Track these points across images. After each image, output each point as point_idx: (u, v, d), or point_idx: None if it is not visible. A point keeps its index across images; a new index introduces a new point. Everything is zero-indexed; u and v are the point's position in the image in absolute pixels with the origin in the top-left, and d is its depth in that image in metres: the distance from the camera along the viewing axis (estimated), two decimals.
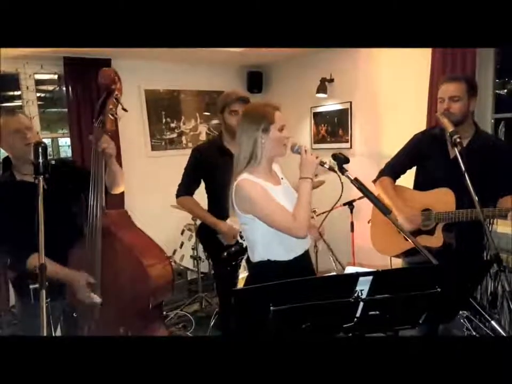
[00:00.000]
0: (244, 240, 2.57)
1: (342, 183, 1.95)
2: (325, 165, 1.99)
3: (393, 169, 2.80)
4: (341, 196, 2.04)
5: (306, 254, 2.17)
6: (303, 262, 2.14)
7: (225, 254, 2.72)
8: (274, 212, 1.97)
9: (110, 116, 2.14)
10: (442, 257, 2.09)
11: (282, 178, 2.16)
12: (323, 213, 4.17)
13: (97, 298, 2.10)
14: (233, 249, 2.71)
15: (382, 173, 2.81)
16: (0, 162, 2.49)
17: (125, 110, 2.15)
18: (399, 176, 2.82)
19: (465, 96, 2.41)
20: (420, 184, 2.71)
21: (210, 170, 2.81)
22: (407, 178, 2.83)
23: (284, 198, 2.03)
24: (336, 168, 1.94)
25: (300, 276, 1.35)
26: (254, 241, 2.09)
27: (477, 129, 2.51)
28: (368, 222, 3.03)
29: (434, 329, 2.55)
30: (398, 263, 2.93)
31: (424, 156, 2.65)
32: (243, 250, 2.44)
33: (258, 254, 2.09)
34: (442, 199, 2.49)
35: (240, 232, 2.68)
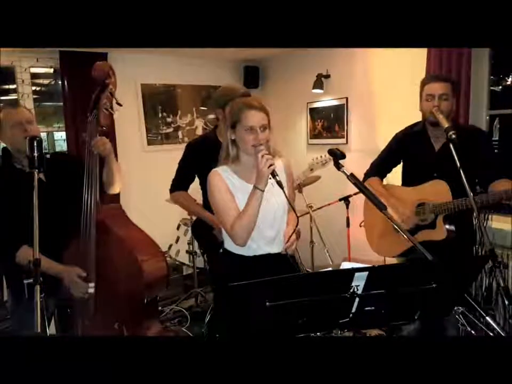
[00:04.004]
0: None
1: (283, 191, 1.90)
2: (276, 177, 1.87)
3: (378, 170, 2.83)
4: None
5: (272, 257, 2.12)
6: (267, 263, 2.09)
7: (221, 250, 2.71)
8: (223, 211, 2.02)
9: (104, 110, 2.12)
10: (446, 249, 2.12)
11: (270, 178, 1.91)
12: (319, 208, 4.20)
13: (91, 288, 2.09)
14: None
15: (368, 175, 2.83)
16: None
17: (119, 104, 2.14)
18: (385, 176, 2.85)
19: (451, 95, 2.47)
20: (409, 180, 2.72)
21: (205, 165, 2.79)
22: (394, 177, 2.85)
23: None
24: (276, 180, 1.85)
25: (259, 275, 1.33)
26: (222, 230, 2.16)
27: (455, 123, 2.54)
28: (360, 226, 3.04)
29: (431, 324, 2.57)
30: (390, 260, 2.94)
31: (409, 153, 2.68)
32: None
33: (225, 243, 2.19)
34: (436, 191, 2.50)
35: None
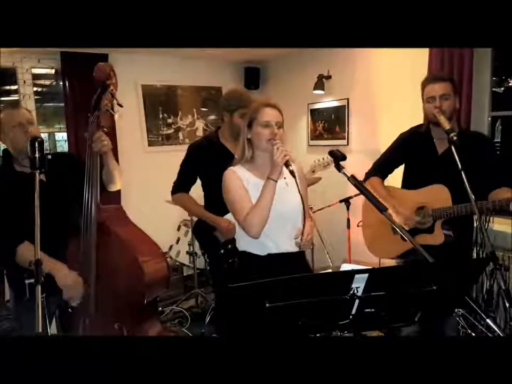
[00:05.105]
0: None
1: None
2: (289, 167, 1.97)
3: (380, 170, 2.81)
4: None
5: (286, 256, 2.14)
6: (281, 262, 2.12)
7: (222, 251, 2.71)
8: (238, 206, 2.08)
9: (105, 111, 2.13)
10: (444, 253, 2.10)
11: (285, 178, 2.10)
12: (320, 209, 4.20)
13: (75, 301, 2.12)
14: (230, 246, 2.70)
15: (369, 174, 2.81)
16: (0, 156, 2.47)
17: (120, 105, 2.14)
18: (387, 176, 2.83)
19: (452, 95, 2.45)
20: (409, 182, 2.70)
21: (206, 167, 2.80)
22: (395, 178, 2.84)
23: None
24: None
25: (274, 274, 1.34)
26: (237, 231, 2.24)
27: (459, 126, 2.54)
28: (358, 225, 3.03)
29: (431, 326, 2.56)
30: (389, 262, 2.93)
31: (411, 154, 2.66)
32: None
33: (239, 244, 2.24)
34: (437, 196, 2.48)
35: None
